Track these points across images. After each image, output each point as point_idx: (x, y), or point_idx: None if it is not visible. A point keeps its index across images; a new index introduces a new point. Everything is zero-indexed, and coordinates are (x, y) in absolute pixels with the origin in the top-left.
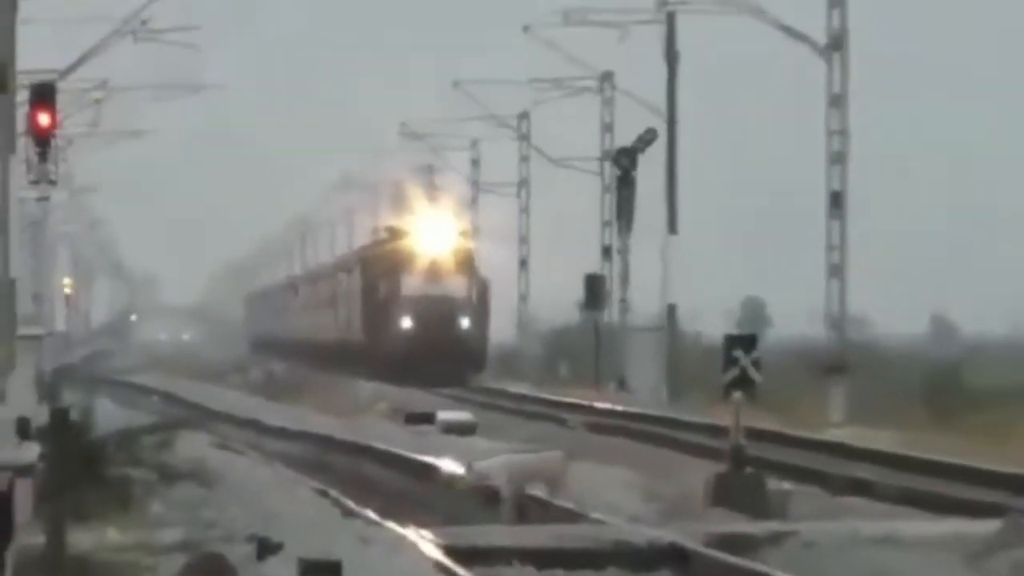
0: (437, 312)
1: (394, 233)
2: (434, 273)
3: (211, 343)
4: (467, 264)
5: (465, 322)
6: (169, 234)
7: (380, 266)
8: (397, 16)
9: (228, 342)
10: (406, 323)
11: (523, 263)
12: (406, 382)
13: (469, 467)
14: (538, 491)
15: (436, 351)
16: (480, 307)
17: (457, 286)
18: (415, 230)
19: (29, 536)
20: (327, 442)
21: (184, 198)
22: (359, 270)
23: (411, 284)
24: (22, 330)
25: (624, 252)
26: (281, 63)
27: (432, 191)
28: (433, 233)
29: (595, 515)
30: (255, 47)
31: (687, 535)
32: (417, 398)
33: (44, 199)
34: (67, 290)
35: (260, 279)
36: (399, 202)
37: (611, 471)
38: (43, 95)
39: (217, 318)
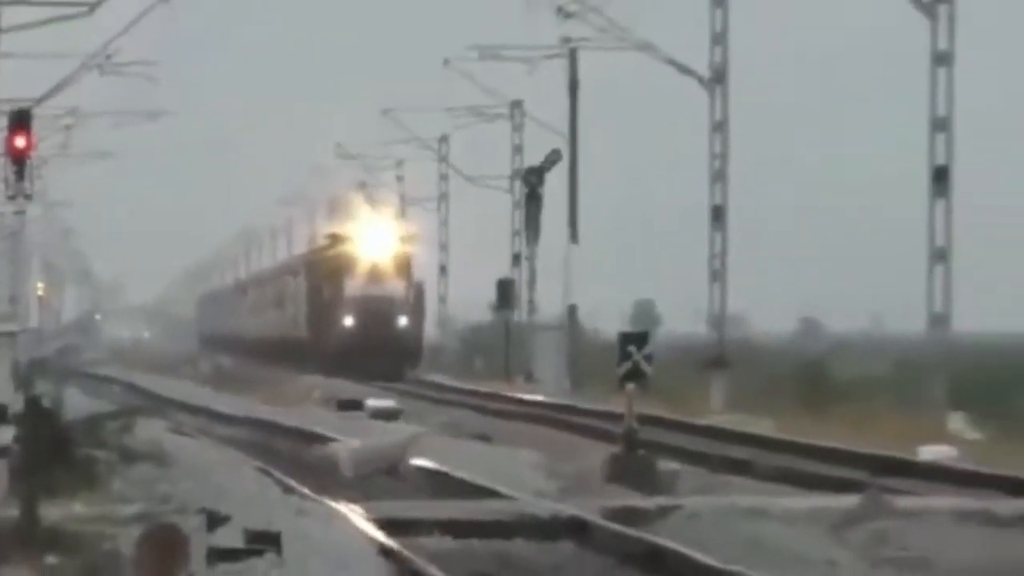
0: (377, 311)
1: (336, 239)
2: (374, 275)
3: (167, 340)
4: (405, 267)
5: (403, 320)
6: (132, 243)
7: (324, 269)
8: (334, 52)
9: (182, 339)
10: (348, 321)
11: (443, 268)
12: (348, 375)
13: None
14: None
15: (376, 347)
16: (416, 307)
17: (395, 287)
18: (356, 236)
19: (4, 509)
20: (268, 426)
21: (145, 211)
22: (305, 273)
23: (353, 285)
24: (0, 327)
25: (531, 259)
26: (232, 92)
27: (373, 201)
28: (373, 238)
29: (505, 491)
30: (211, 77)
31: (586, 509)
32: (349, 388)
33: (20, 212)
34: (40, 292)
35: (211, 283)
36: (338, 212)
37: (519, 452)
38: (20, 121)
39: (173, 318)
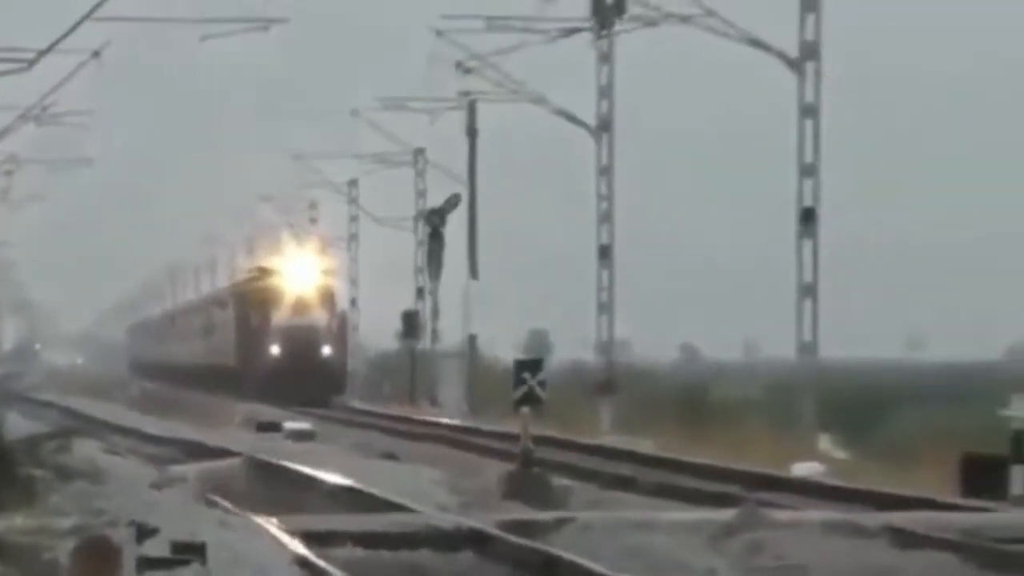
0: (302, 340)
1: (263, 272)
2: (299, 306)
3: (98, 365)
4: (328, 298)
5: (327, 349)
6: (66, 277)
7: (252, 300)
8: (251, 102)
9: (112, 365)
10: (275, 349)
11: (353, 301)
12: (274, 401)
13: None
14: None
15: (302, 374)
16: (340, 336)
17: (319, 317)
18: (282, 269)
19: None
20: (194, 446)
21: (80, 248)
22: (233, 303)
23: (279, 316)
24: None
25: (434, 292)
26: (158, 140)
27: (298, 237)
28: (298, 272)
29: (411, 505)
30: (138, 127)
31: (485, 522)
32: (268, 411)
33: None
34: None
35: (140, 313)
36: (260, 249)
37: (423, 470)
38: None
39: (104, 345)
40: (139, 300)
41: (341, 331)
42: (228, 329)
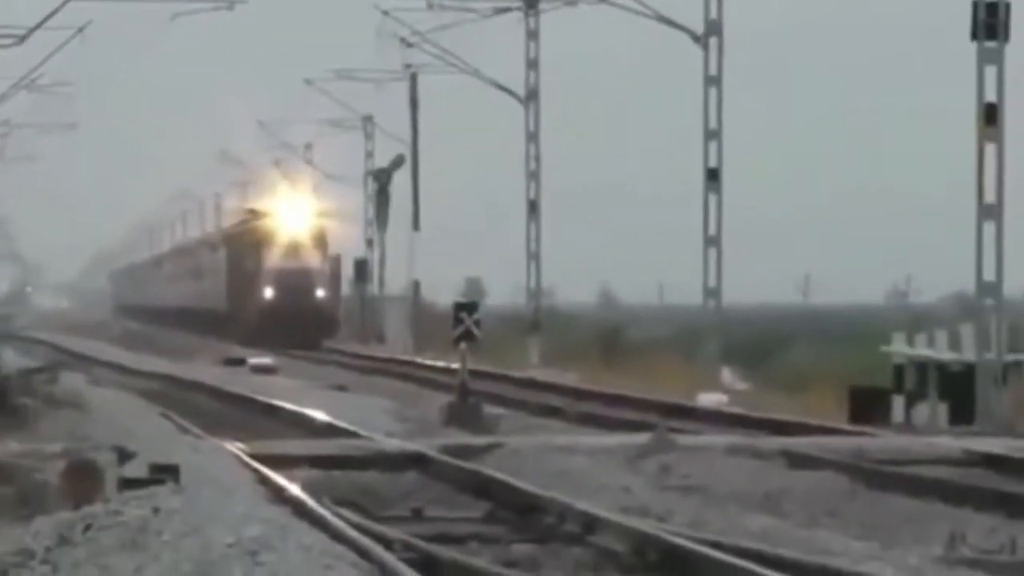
0: (295, 283)
1: (255, 214)
2: (292, 249)
3: (83, 309)
4: (321, 241)
5: (320, 292)
6: (54, 228)
7: (244, 243)
8: (216, 72)
9: (96, 308)
10: (268, 292)
11: None
12: (265, 345)
13: None
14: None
15: (294, 318)
16: (333, 279)
17: (312, 260)
18: (275, 211)
19: None
20: (168, 378)
21: (63, 203)
22: (224, 246)
23: (272, 258)
24: None
25: (382, 243)
26: (136, 107)
27: (289, 177)
28: (291, 213)
29: (360, 431)
30: (118, 95)
31: (427, 446)
32: (235, 348)
33: None
34: None
35: (123, 261)
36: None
37: (372, 400)
38: None
39: (88, 291)
40: (119, 250)
41: (334, 274)
42: (219, 272)
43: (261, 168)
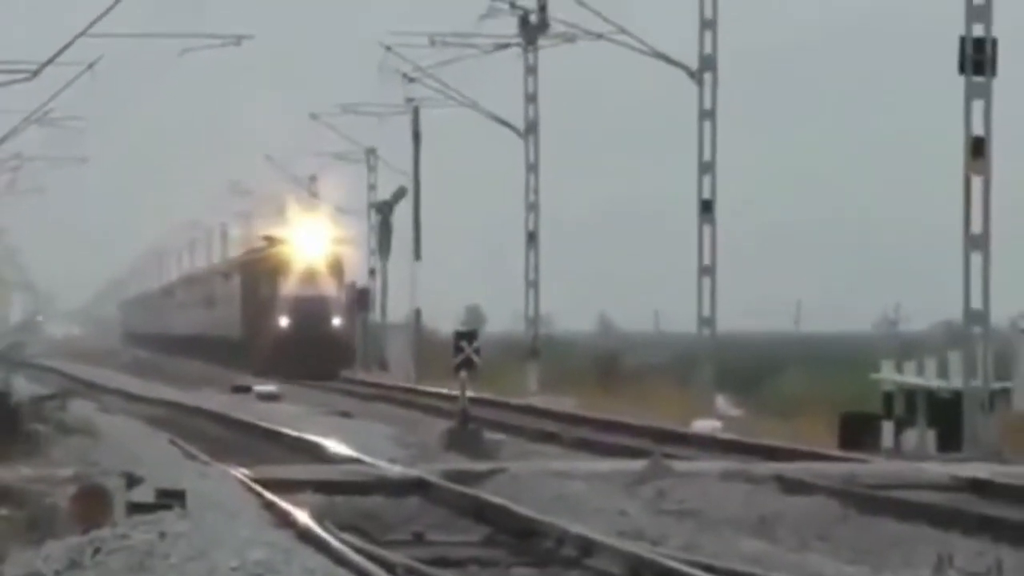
0: (312, 311)
1: (272, 241)
2: (308, 276)
3: (93, 337)
4: (337, 268)
5: (337, 320)
6: (65, 258)
7: (259, 270)
8: (224, 106)
9: (106, 337)
10: (284, 321)
11: None
12: (281, 375)
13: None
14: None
15: (310, 347)
16: (349, 307)
17: (329, 288)
18: (291, 238)
19: None
20: (174, 405)
21: (76, 234)
22: (240, 274)
23: (288, 286)
24: None
25: (384, 272)
26: (145, 140)
27: (310, 204)
28: (307, 241)
29: (363, 457)
30: (128, 129)
31: (428, 471)
32: (248, 377)
33: None
34: None
35: (133, 289)
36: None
37: (374, 426)
38: None
39: (98, 319)
40: (128, 279)
41: (350, 302)
42: (234, 300)
43: (269, 199)
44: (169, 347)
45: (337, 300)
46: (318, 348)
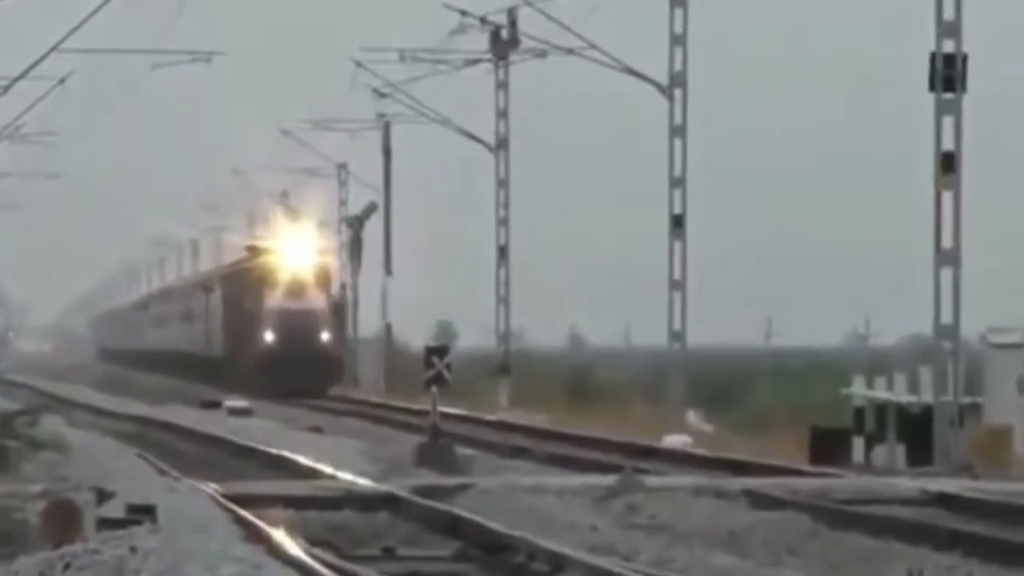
0: (299, 325)
1: (255, 252)
2: (295, 288)
3: (64, 353)
4: (325, 279)
5: (325, 335)
6: (35, 274)
7: (242, 282)
8: (192, 121)
9: (76, 352)
10: (269, 336)
11: None
12: (267, 394)
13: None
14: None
15: (299, 363)
16: (338, 320)
17: (317, 300)
18: (276, 248)
19: None
20: (144, 421)
21: (47, 249)
22: (221, 286)
23: (273, 299)
24: None
25: (355, 286)
26: (113, 155)
27: (292, 212)
28: (293, 250)
29: (334, 471)
30: (96, 144)
31: (399, 486)
32: (210, 391)
33: None
34: None
35: (102, 304)
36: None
37: (345, 441)
38: None
39: (69, 334)
40: (99, 294)
41: (339, 315)
42: (215, 314)
43: (240, 213)
44: (145, 364)
45: (325, 313)
46: (306, 364)
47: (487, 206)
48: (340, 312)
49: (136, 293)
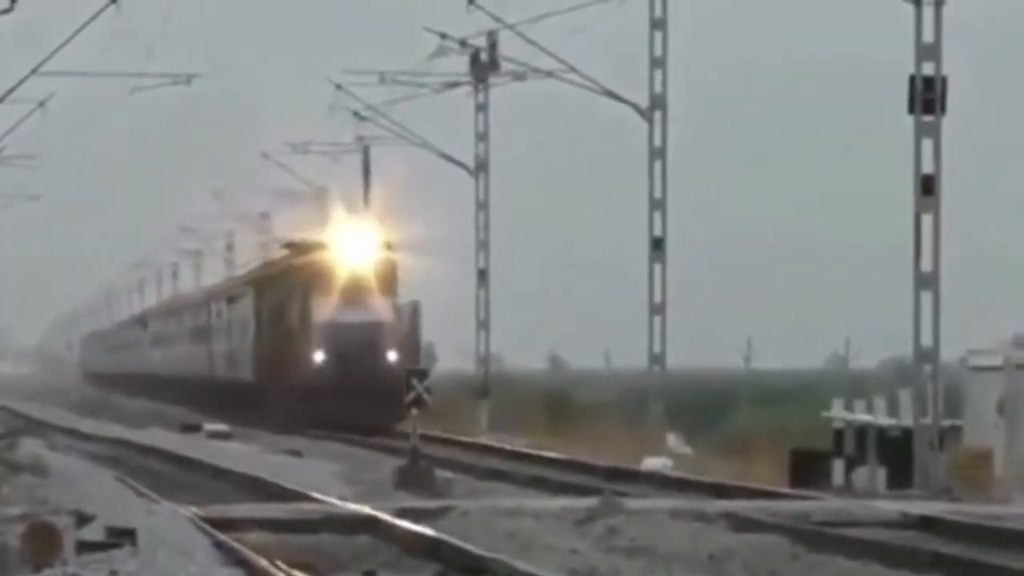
0: (359, 343)
1: (298, 249)
2: (354, 294)
3: (45, 375)
4: (390, 282)
5: (392, 354)
6: (17, 296)
7: (282, 287)
8: (171, 143)
9: (58, 376)
10: (319, 357)
11: None
12: (317, 432)
13: None
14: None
15: (358, 391)
16: (410, 336)
17: (382, 309)
18: (327, 244)
19: None
20: (125, 444)
21: (26, 272)
22: (253, 294)
23: (325, 309)
24: None
25: None
26: (93, 177)
27: (349, 202)
28: (350, 246)
29: (313, 494)
30: (77, 167)
31: (380, 509)
32: (189, 414)
33: None
34: None
35: (96, 322)
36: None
37: (325, 465)
38: None
39: (50, 356)
40: (82, 314)
41: (412, 329)
42: (243, 330)
43: (218, 237)
44: (145, 390)
45: (392, 327)
46: (368, 393)
47: (467, 229)
48: (413, 325)
49: (128, 311)
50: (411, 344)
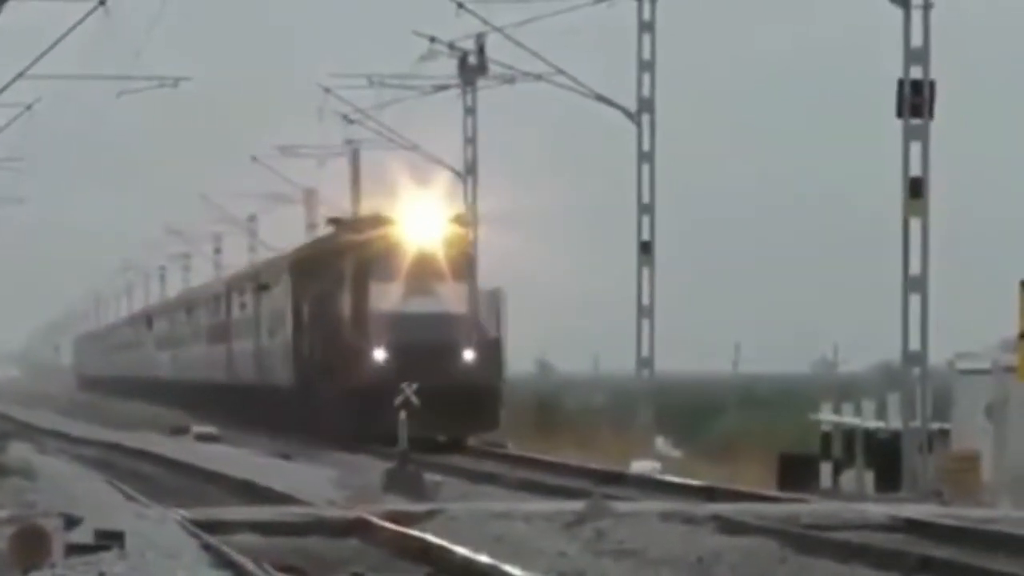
0: (428, 338)
1: (345, 226)
2: (419, 279)
3: (32, 379)
4: (464, 265)
5: (468, 353)
6: (2, 299)
7: (329, 271)
8: (159, 146)
9: (47, 380)
10: (378, 356)
11: None
12: (376, 448)
13: None
14: None
15: (428, 397)
16: (491, 331)
17: (455, 297)
18: (386, 218)
19: None
20: (113, 447)
21: (11, 275)
22: (291, 281)
23: (384, 295)
24: None
25: None
26: (78, 180)
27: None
28: (415, 221)
29: (302, 497)
30: (63, 169)
31: (369, 512)
32: (179, 416)
33: None
34: None
35: (91, 323)
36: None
37: (313, 468)
38: None
39: (37, 360)
40: (71, 318)
41: (494, 321)
42: (279, 324)
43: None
44: (153, 396)
45: (467, 320)
46: (441, 399)
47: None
48: (497, 317)
49: (128, 309)
50: (490, 342)
